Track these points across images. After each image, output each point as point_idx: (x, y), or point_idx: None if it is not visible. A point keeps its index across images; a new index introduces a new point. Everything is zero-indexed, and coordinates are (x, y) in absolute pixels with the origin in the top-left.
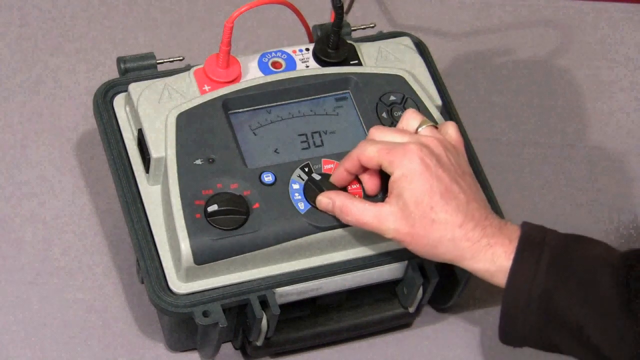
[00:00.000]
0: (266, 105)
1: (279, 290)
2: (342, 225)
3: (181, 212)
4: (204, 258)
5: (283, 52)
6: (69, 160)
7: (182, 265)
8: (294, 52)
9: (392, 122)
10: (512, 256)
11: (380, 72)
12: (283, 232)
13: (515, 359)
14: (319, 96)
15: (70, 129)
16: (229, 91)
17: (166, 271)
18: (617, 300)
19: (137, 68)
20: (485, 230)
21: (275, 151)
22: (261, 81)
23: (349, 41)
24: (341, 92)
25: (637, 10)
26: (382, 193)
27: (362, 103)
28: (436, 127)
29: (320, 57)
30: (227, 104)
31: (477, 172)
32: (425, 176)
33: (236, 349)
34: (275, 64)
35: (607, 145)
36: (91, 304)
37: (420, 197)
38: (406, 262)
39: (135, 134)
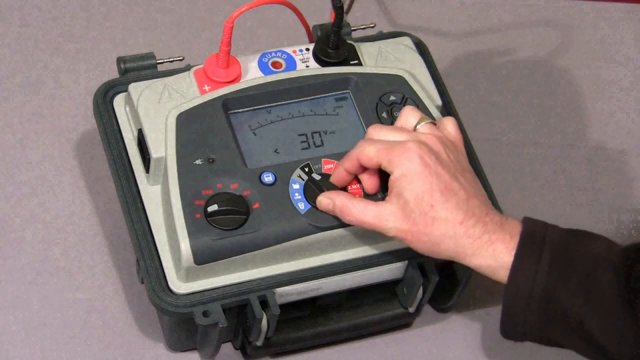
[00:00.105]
0: (266, 105)
1: (279, 290)
2: (342, 225)
3: (181, 212)
4: (204, 258)
5: (283, 52)
6: (69, 160)
7: (182, 265)
8: (294, 52)
9: (392, 122)
10: (513, 252)
11: (380, 72)
12: (283, 232)
13: (516, 359)
14: (319, 96)
15: (70, 129)
16: (229, 91)
17: (166, 271)
18: (618, 297)
19: (137, 68)
20: (487, 227)
21: (275, 151)
22: (261, 81)
23: (349, 41)
24: (341, 92)
25: (637, 10)
26: (382, 191)
27: (362, 103)
28: (435, 124)
29: (320, 57)
30: (227, 104)
31: (477, 172)
32: (424, 174)
33: (236, 349)
34: (275, 64)
35: (607, 145)
36: (91, 304)
37: (420, 195)
38: (406, 262)
39: (135, 134)
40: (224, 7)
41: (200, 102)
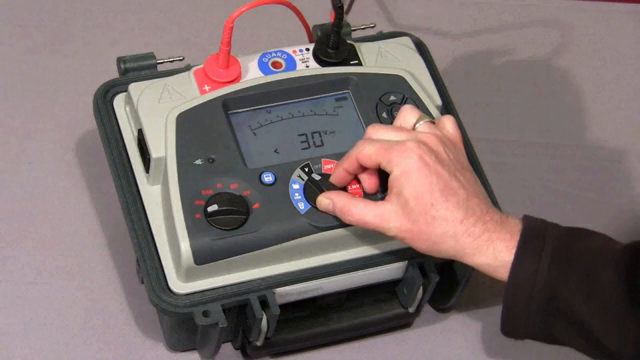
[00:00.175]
0: (266, 105)
1: (279, 290)
2: (342, 225)
3: (181, 212)
4: (204, 258)
5: (283, 52)
6: (69, 160)
7: (182, 265)
8: (294, 52)
9: (392, 122)
10: (513, 251)
11: (380, 72)
12: (283, 232)
13: (516, 359)
14: (319, 96)
15: (70, 129)
16: (229, 91)
17: (166, 271)
18: (619, 295)
19: (137, 68)
20: (487, 225)
21: (275, 151)
22: (261, 81)
23: (349, 41)
24: (341, 92)
25: (637, 10)
26: (382, 191)
27: (362, 103)
28: (434, 123)
29: (320, 57)
30: (227, 104)
31: (477, 172)
32: (424, 173)
33: (236, 349)
34: (275, 64)
35: (607, 145)
36: (91, 304)
37: (420, 194)
38: (406, 262)
39: (135, 134)
40: (224, 7)
41: (200, 102)
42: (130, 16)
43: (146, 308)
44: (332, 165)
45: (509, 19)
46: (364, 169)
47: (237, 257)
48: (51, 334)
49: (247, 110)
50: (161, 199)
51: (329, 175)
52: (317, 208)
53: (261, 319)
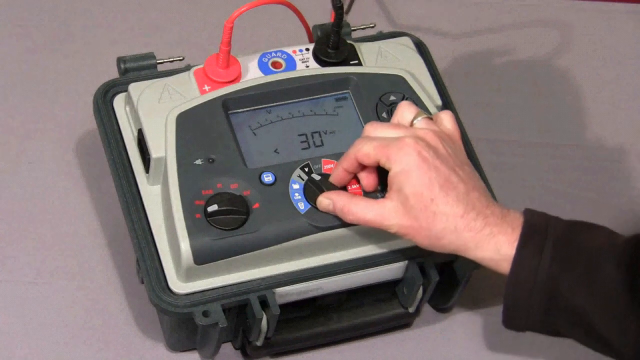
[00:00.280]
0: (266, 105)
1: (279, 290)
2: (342, 225)
3: (181, 212)
4: (204, 258)
5: (283, 52)
6: (69, 160)
7: (182, 265)
8: (294, 52)
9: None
10: (515, 245)
11: (380, 72)
12: (283, 232)
13: (516, 359)
14: (318, 96)
15: (70, 129)
16: (229, 91)
17: (166, 271)
18: (620, 289)
19: (137, 68)
20: (488, 219)
21: (275, 151)
22: (261, 81)
23: (349, 41)
24: (341, 92)
25: (637, 10)
26: (381, 188)
27: (362, 103)
28: (431, 119)
29: (320, 57)
30: (227, 104)
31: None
32: (423, 169)
33: (236, 349)
34: (275, 64)
35: (607, 145)
36: (91, 304)
37: (420, 190)
38: (406, 262)
39: (135, 134)
40: (224, 7)
41: (200, 102)
42: (130, 16)
43: (146, 308)
44: (332, 165)
45: (509, 19)
46: (363, 167)
47: (237, 257)
48: (51, 334)
49: (247, 110)
50: (161, 199)
51: (328, 175)
52: (317, 208)
53: (261, 319)
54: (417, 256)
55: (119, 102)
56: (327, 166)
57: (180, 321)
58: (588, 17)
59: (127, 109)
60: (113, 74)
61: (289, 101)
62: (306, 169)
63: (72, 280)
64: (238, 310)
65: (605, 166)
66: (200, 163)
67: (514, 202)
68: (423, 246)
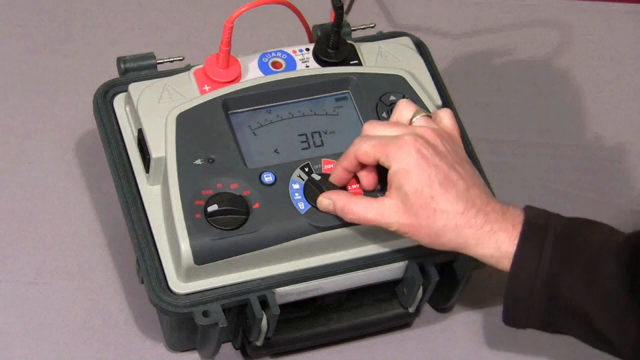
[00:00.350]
0: (266, 105)
1: (279, 290)
2: (342, 225)
3: (181, 212)
4: (204, 258)
5: (283, 52)
6: (69, 160)
7: (182, 265)
8: (294, 52)
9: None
10: (516, 241)
11: (380, 72)
12: (283, 232)
13: (516, 359)
14: (319, 96)
15: (70, 129)
16: (229, 91)
17: (166, 271)
18: (620, 286)
19: (137, 68)
20: (488, 216)
21: (275, 151)
22: (261, 81)
23: (349, 41)
24: (341, 92)
25: (637, 10)
26: (381, 187)
27: (362, 103)
28: (430, 117)
29: (320, 57)
30: (227, 104)
31: None
32: (423, 167)
33: (236, 349)
34: (275, 64)
35: (607, 145)
36: (91, 304)
37: (420, 188)
38: (406, 262)
39: (135, 134)
40: (224, 7)
41: (200, 102)
42: (130, 16)
43: (146, 308)
44: (332, 165)
45: (509, 19)
46: (362, 166)
47: (237, 257)
48: (51, 334)
49: (247, 110)
50: (161, 199)
51: (329, 175)
52: (317, 208)
53: (261, 319)
54: (417, 256)
55: (119, 102)
56: (327, 166)
57: (180, 321)
58: (588, 17)
59: (127, 109)
60: (113, 74)
61: (289, 101)
62: (306, 169)
63: (72, 280)
64: (238, 310)
65: (605, 166)
66: (200, 163)
67: (514, 202)
68: (424, 244)
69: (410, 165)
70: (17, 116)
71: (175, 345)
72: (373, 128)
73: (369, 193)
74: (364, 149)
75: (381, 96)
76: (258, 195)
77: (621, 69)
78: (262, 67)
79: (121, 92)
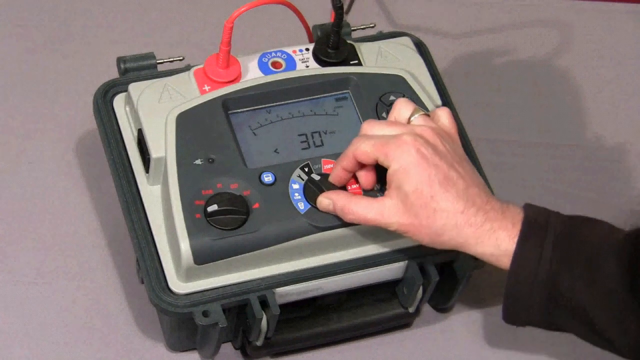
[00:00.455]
0: (266, 105)
1: (279, 290)
2: (342, 225)
3: (181, 212)
4: (204, 258)
5: (283, 52)
6: (69, 160)
7: (182, 265)
8: (294, 52)
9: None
10: (516, 240)
11: (380, 72)
12: (283, 232)
13: (516, 359)
14: (318, 96)
15: (70, 129)
16: (229, 91)
17: (166, 271)
18: (620, 284)
19: (137, 68)
20: (488, 215)
21: (275, 151)
22: (261, 81)
23: (349, 41)
24: (341, 92)
25: (637, 10)
26: (380, 185)
27: (362, 103)
28: (428, 116)
29: (320, 57)
30: (227, 104)
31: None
32: (422, 166)
33: (236, 349)
34: (275, 64)
35: (607, 145)
36: (91, 304)
37: (419, 188)
38: (406, 262)
39: (135, 134)
40: (224, 7)
41: (200, 102)
42: (130, 16)
43: (146, 308)
44: (332, 165)
45: (509, 19)
46: (362, 166)
47: (237, 257)
48: (51, 334)
49: (247, 110)
50: (161, 199)
51: (328, 175)
52: (317, 208)
53: (261, 319)
54: (417, 256)
55: (119, 102)
56: (327, 166)
57: (180, 321)
58: (588, 17)
59: (127, 109)
60: (113, 74)
61: (289, 101)
62: (306, 169)
63: (72, 280)
64: (238, 310)
65: (605, 166)
66: (200, 163)
67: (514, 202)
68: (424, 243)
69: (409, 165)
70: (17, 116)
71: (175, 345)
72: (372, 127)
73: (368, 192)
74: (363, 148)
75: (381, 96)
76: (258, 195)
77: (621, 69)
78: (262, 67)
79: (121, 92)
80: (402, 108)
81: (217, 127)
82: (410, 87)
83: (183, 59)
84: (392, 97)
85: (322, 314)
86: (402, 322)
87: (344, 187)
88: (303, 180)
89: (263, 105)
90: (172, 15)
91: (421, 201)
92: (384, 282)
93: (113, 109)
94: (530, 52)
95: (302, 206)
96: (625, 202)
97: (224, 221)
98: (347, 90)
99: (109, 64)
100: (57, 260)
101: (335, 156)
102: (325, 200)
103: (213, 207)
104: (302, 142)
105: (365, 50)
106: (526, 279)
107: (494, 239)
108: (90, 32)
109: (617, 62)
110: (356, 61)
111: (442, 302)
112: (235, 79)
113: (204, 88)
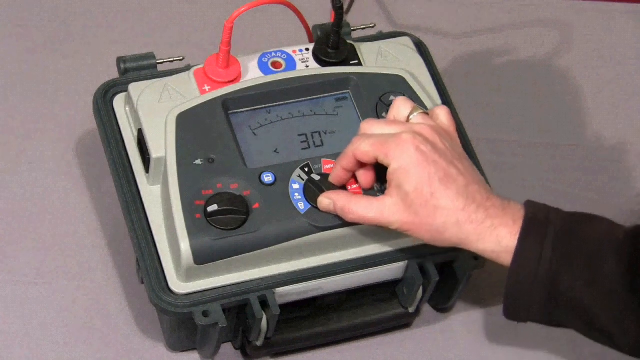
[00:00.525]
0: (266, 105)
1: (279, 290)
2: (342, 225)
3: (181, 212)
4: (204, 258)
5: (283, 52)
6: (69, 160)
7: (182, 265)
8: (294, 52)
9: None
10: (517, 237)
11: (380, 72)
12: (283, 232)
13: (516, 359)
14: (319, 96)
15: (70, 129)
16: (228, 91)
17: (166, 271)
18: (620, 281)
19: (137, 68)
20: (489, 212)
21: (275, 151)
22: (261, 81)
23: (349, 41)
24: (341, 92)
25: (637, 10)
26: (380, 184)
27: (362, 103)
28: (427, 114)
29: (320, 57)
30: (227, 104)
31: None
32: (422, 164)
33: (236, 349)
34: (275, 64)
35: (607, 145)
36: (91, 304)
37: (420, 186)
38: (406, 262)
39: (135, 134)
40: (224, 7)
41: (200, 102)
42: (130, 16)
43: (146, 308)
44: (332, 165)
45: (509, 19)
46: (361, 165)
47: (237, 257)
48: (51, 334)
49: (247, 110)
50: (161, 199)
51: (329, 175)
52: (317, 208)
53: (261, 319)
54: (417, 256)
55: (119, 102)
56: (327, 166)
57: (180, 321)
58: (588, 17)
59: (127, 109)
60: (113, 74)
61: (289, 101)
62: (306, 169)
63: (72, 280)
64: (238, 310)
65: (605, 166)
66: (200, 163)
67: (515, 199)
68: (425, 241)
69: (409, 163)
70: (17, 116)
71: (175, 345)
72: (371, 126)
73: (368, 192)
74: (363, 148)
75: (381, 96)
76: (258, 195)
77: (621, 69)
78: (262, 67)
79: (121, 92)
80: (400, 106)
81: (217, 127)
82: (410, 87)
83: (183, 59)
84: (392, 97)
85: (322, 314)
86: (402, 322)
87: (344, 187)
88: (303, 180)
89: (263, 105)
90: (172, 15)
91: (422, 199)
92: (384, 282)
93: (113, 109)
94: (530, 52)
95: (302, 206)
96: (625, 202)
97: (224, 221)
98: (347, 90)
99: (109, 64)
100: (57, 260)
101: (336, 156)
102: (326, 201)
103: (213, 207)
104: (302, 142)
105: (365, 50)
106: (527, 275)
107: (495, 236)
108: (90, 32)
109: (617, 62)
110: (356, 61)
111: (442, 302)
112: (235, 79)
113: (204, 88)
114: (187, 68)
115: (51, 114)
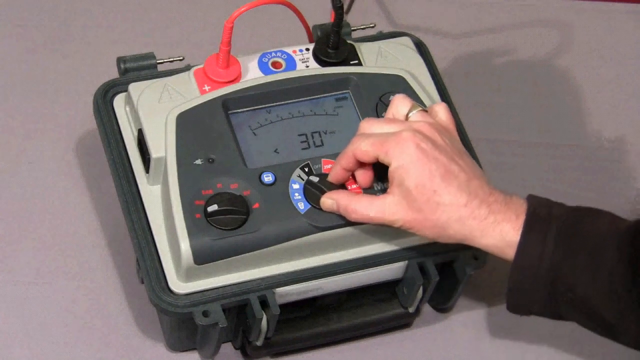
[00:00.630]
0: (266, 105)
1: (279, 290)
2: (342, 225)
3: (181, 212)
4: (204, 258)
5: (283, 52)
6: (69, 160)
7: (182, 265)
8: (294, 52)
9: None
10: (519, 231)
11: (380, 72)
12: (283, 232)
13: (516, 359)
14: (319, 96)
15: (70, 129)
16: (229, 91)
17: (166, 271)
18: (623, 274)
19: (137, 68)
20: (491, 207)
21: (275, 151)
22: (261, 81)
23: (349, 41)
24: (341, 92)
25: (637, 10)
26: (380, 183)
27: (362, 103)
28: (426, 111)
29: (320, 57)
30: (227, 104)
31: None
32: (423, 161)
33: (236, 349)
34: (275, 64)
35: (607, 145)
36: (91, 304)
37: (421, 183)
38: (406, 262)
39: (135, 134)
40: (224, 7)
41: (200, 102)
42: (130, 16)
43: (146, 308)
44: (332, 165)
45: (509, 19)
46: (361, 164)
47: (237, 257)
48: (51, 334)
49: (247, 110)
50: (161, 199)
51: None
52: (317, 208)
53: (261, 319)
54: (417, 256)
55: (119, 102)
56: (327, 166)
57: (180, 321)
58: (588, 17)
59: (127, 109)
60: (113, 74)
61: (289, 101)
62: (306, 169)
63: (72, 280)
64: (238, 310)
65: (605, 166)
66: (200, 163)
67: (517, 194)
68: (429, 238)
69: (410, 161)
70: (17, 116)
71: (175, 345)
72: (370, 126)
73: (368, 190)
74: (363, 147)
75: (381, 96)
76: (258, 195)
77: (621, 69)
78: (262, 67)
79: (121, 92)
80: (399, 104)
81: (217, 127)
82: (411, 87)
83: (183, 59)
84: (392, 97)
85: (322, 314)
86: (402, 322)
87: (343, 186)
88: (303, 180)
89: (263, 105)
90: (172, 15)
91: (424, 196)
92: (384, 282)
93: (113, 109)
94: (530, 52)
95: (302, 206)
96: (625, 202)
97: (224, 221)
98: (347, 90)
99: (109, 64)
100: (57, 260)
101: (335, 156)
102: (329, 201)
103: (213, 207)
104: (302, 142)
105: (365, 50)
106: (530, 269)
107: (498, 231)
108: (90, 32)
109: (617, 62)
110: (356, 61)
111: (442, 302)
112: (235, 79)
113: (204, 88)
114: (187, 68)
115: (51, 114)
